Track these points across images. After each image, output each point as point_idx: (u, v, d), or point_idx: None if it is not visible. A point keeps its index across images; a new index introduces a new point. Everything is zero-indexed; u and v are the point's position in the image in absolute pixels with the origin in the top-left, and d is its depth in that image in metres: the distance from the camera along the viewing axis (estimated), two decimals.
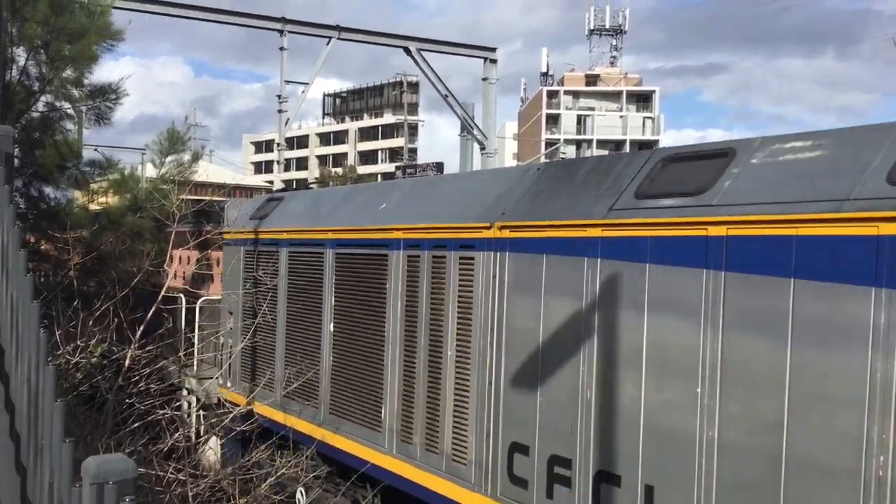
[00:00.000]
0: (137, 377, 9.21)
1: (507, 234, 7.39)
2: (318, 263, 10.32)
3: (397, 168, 59.75)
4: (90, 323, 9.22)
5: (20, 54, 14.21)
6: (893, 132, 5.10)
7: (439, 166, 49.52)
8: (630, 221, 6.25)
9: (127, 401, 9.08)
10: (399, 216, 9.08)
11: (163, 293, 10.13)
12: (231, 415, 9.65)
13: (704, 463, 5.54)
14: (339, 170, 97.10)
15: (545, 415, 6.86)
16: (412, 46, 26.54)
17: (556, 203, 7.10)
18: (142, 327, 9.75)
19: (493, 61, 27.84)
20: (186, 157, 18.60)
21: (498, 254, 7.45)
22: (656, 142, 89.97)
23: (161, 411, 8.80)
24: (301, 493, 10.23)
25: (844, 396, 4.83)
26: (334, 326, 9.91)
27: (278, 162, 31.22)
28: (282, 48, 25.79)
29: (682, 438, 5.70)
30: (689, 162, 6.27)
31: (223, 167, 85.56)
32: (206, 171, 27.97)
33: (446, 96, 27.45)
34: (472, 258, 7.77)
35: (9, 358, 3.57)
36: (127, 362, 9.31)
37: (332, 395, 9.94)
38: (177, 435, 8.64)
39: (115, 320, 9.53)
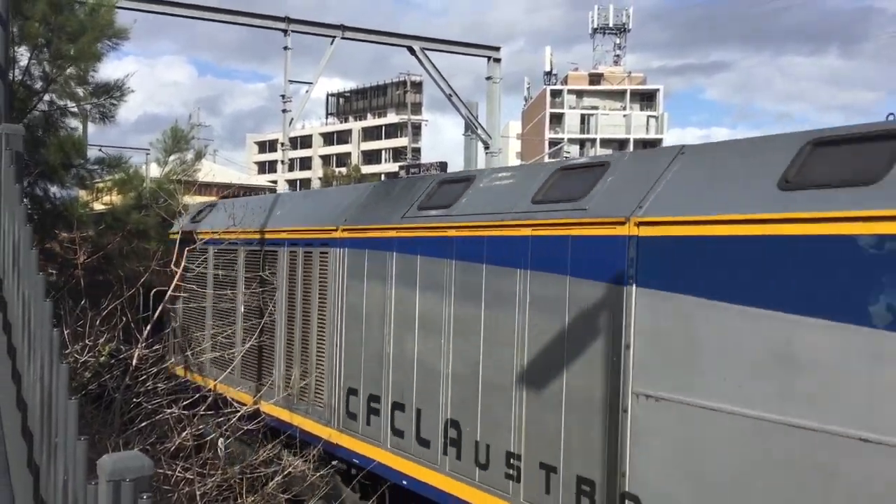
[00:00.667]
0: (145, 376, 9.23)
1: (346, 234, 9.91)
2: (235, 260, 12.42)
3: (401, 168, 59.69)
4: (97, 322, 9.23)
5: (22, 53, 14.23)
6: (544, 170, 7.72)
7: (443, 166, 49.38)
8: (411, 226, 8.80)
9: (134, 400, 9.10)
10: (286, 221, 11.50)
11: (170, 292, 10.15)
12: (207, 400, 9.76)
13: (444, 389, 8.13)
14: (343, 170, 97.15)
15: (366, 366, 9.39)
16: (416, 46, 26.55)
17: (376, 212, 9.64)
18: (149, 326, 9.77)
19: (497, 60, 27.84)
20: (190, 155, 18.63)
21: (341, 250, 9.96)
22: (660, 140, 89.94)
23: (168, 410, 8.81)
24: (221, 444, 10.49)
25: (505, 339, 7.32)
26: (244, 308, 12.11)
27: (282, 162, 31.21)
28: (286, 48, 25.81)
29: (434, 374, 8.27)
30: (450, 184, 8.81)
31: (227, 167, 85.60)
32: (213, 171, 27.96)
33: (450, 96, 27.46)
34: (328, 253, 10.23)
35: (20, 357, 3.57)
36: (134, 361, 9.32)
37: (242, 361, 11.92)
38: (184, 434, 8.65)
39: (123, 319, 9.55)
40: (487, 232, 7.69)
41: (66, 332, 8.47)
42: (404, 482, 8.65)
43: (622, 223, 6.34)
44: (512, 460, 7.33)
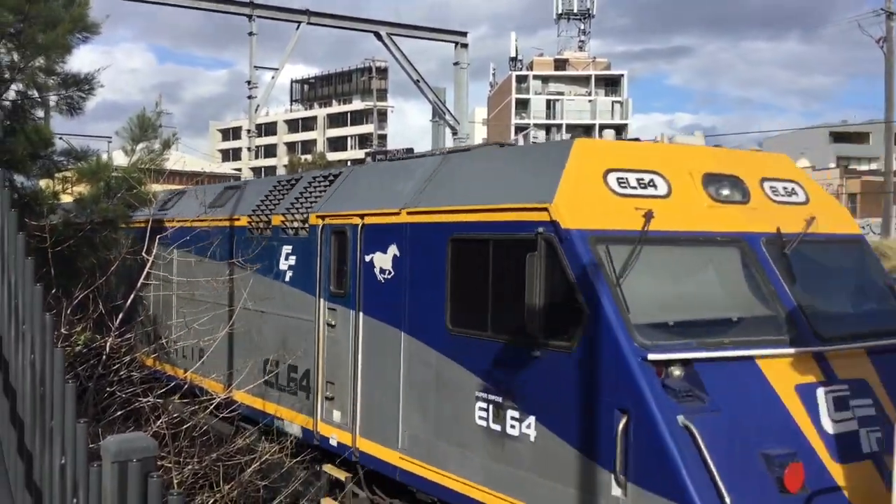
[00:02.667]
0: (118, 365, 9.15)
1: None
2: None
3: (367, 154, 59.39)
4: (68, 311, 9.13)
5: None
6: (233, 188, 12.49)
7: (409, 152, 49.36)
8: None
9: (108, 389, 9.02)
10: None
11: (141, 280, 10.08)
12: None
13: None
14: (309, 157, 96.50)
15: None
16: (383, 31, 26.39)
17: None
18: (120, 315, 9.69)
19: (465, 46, 27.77)
20: (157, 144, 18.40)
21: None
22: (625, 126, 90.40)
23: (144, 399, 8.76)
24: None
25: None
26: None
27: (249, 149, 30.91)
28: (251, 33, 25.51)
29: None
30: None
31: (190, 154, 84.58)
32: (184, 160, 27.64)
33: (418, 81, 27.36)
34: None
35: (7, 343, 3.54)
36: (107, 350, 9.24)
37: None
38: (159, 422, 8.60)
39: (93, 308, 9.45)
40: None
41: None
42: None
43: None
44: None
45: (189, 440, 9.34)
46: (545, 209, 6.59)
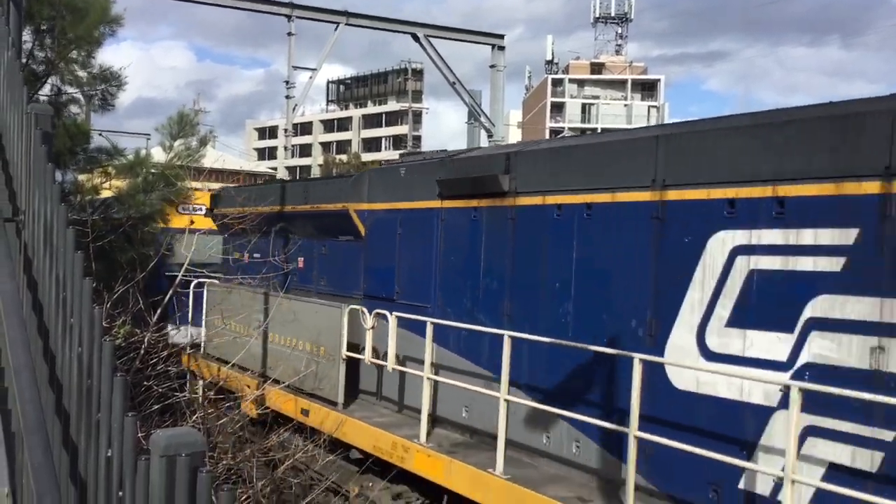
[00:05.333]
0: (155, 359, 9.25)
1: None
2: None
3: (401, 156, 59.49)
4: (108, 306, 9.24)
5: (25, 38, 14.17)
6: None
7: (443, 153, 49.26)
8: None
9: (144, 383, 9.13)
10: None
11: (180, 276, 10.17)
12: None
13: None
14: (343, 157, 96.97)
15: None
16: (420, 33, 26.41)
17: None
18: (159, 311, 9.80)
19: (501, 48, 27.71)
20: (194, 142, 18.61)
21: None
22: None
23: (179, 394, 8.85)
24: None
25: None
26: None
27: (286, 148, 31.16)
28: (289, 33, 25.66)
29: None
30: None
31: (226, 153, 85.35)
32: (223, 159, 27.91)
33: (454, 83, 27.35)
34: None
35: (54, 337, 3.58)
36: (144, 345, 9.35)
37: None
38: (195, 417, 8.68)
39: (133, 303, 9.57)
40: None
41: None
42: None
43: None
44: None
45: (223, 436, 9.43)
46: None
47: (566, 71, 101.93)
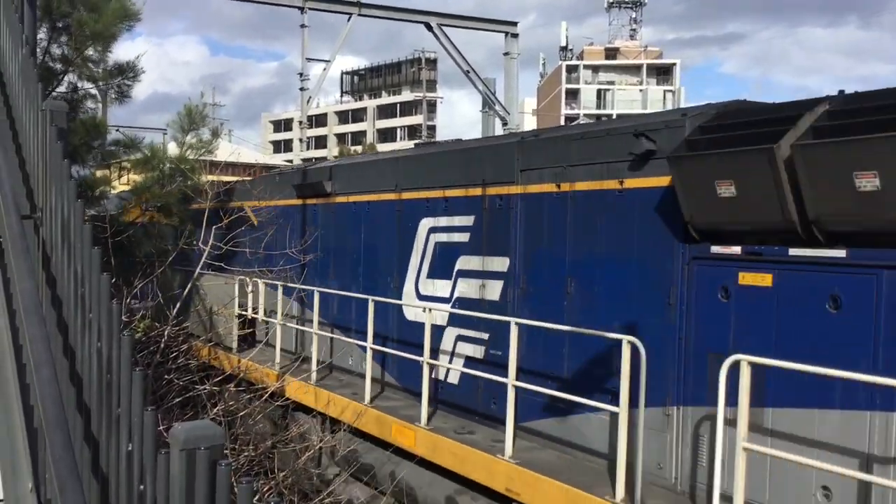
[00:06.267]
0: (176, 353, 9.32)
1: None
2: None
3: (416, 145, 59.38)
4: (128, 300, 9.32)
5: (41, 36, 14.25)
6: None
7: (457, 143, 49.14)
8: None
9: (166, 377, 9.19)
10: None
11: (198, 270, 10.22)
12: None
13: None
14: (359, 147, 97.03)
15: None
16: (433, 21, 26.33)
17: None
18: (178, 304, 9.85)
19: (515, 35, 27.59)
20: (206, 134, 18.66)
21: None
22: None
23: (200, 387, 8.90)
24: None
25: None
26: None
27: (301, 140, 31.13)
28: (303, 25, 25.66)
29: None
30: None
31: (241, 146, 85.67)
32: (238, 152, 27.96)
33: (468, 72, 27.26)
34: None
35: (74, 332, 3.61)
36: (164, 339, 9.41)
37: None
38: (216, 409, 8.73)
39: (151, 297, 9.63)
40: None
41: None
42: None
43: None
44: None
45: (244, 427, 9.47)
46: None
47: (580, 57, 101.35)
